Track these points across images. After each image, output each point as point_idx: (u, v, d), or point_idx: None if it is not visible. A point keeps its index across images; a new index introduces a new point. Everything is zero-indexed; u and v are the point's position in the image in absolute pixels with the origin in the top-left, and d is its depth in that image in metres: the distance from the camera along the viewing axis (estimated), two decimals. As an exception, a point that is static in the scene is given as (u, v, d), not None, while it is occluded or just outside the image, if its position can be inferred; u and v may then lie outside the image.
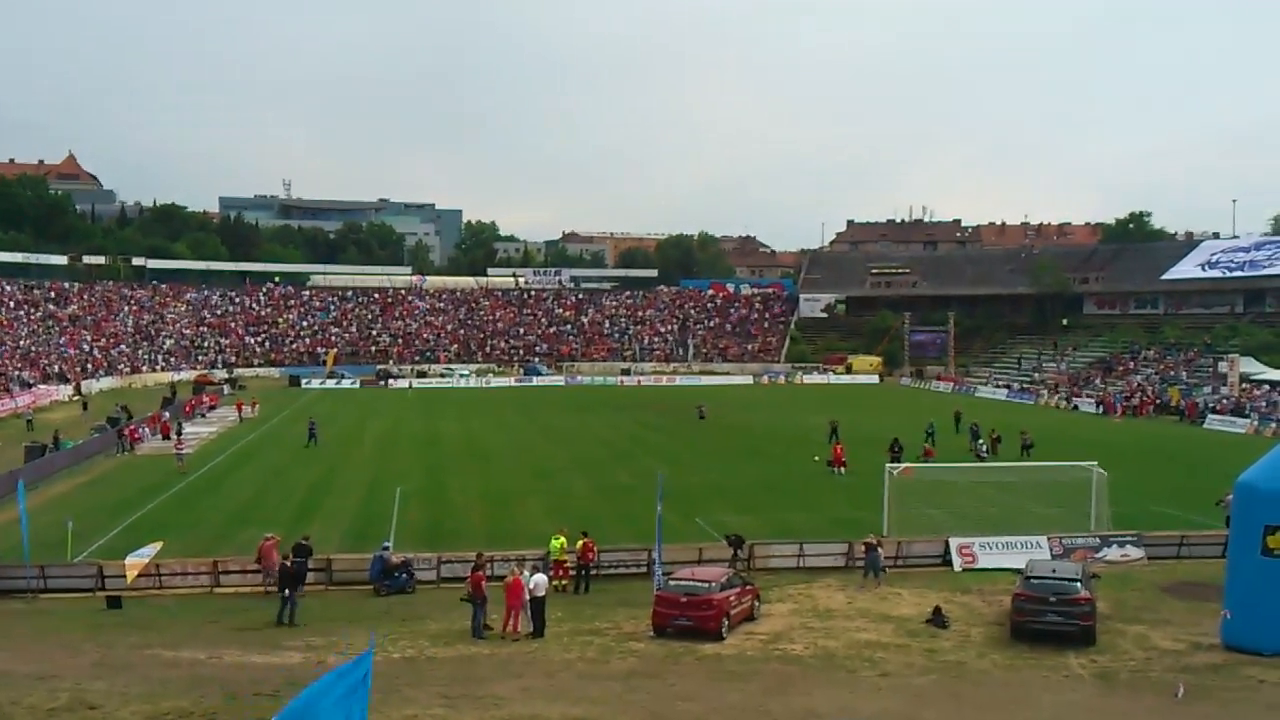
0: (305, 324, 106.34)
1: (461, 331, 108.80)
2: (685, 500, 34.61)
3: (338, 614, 22.98)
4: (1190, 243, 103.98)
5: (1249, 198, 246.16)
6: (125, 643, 20.63)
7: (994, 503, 33.43)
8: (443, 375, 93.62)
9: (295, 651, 19.86)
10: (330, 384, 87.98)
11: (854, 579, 25.65)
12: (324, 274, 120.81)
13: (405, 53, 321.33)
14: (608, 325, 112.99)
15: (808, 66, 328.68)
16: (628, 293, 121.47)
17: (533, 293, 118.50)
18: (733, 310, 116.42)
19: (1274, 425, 56.92)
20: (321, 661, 19.04)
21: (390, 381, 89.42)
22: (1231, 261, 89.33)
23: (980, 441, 46.33)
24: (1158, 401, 68.69)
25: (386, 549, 26.45)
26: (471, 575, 22.05)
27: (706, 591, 20.92)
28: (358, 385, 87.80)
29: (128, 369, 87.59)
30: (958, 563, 27.41)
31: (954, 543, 27.90)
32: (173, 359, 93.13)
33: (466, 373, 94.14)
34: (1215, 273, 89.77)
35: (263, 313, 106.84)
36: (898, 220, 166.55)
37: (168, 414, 57.35)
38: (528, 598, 21.22)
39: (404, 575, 25.41)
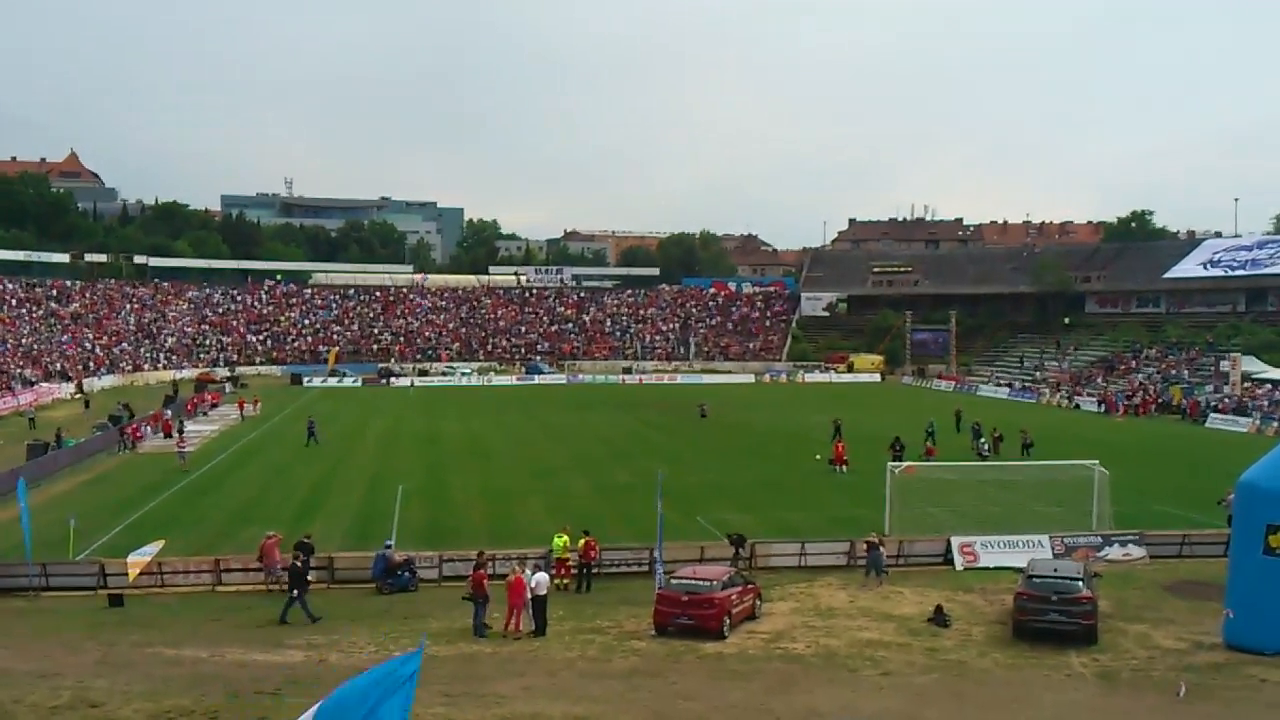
0: (307, 322, 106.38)
1: (463, 330, 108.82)
2: (687, 499, 34.62)
3: (340, 612, 22.98)
4: (1192, 241, 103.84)
5: (1251, 197, 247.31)
6: (127, 641, 20.65)
7: (996, 501, 33.42)
8: (444, 374, 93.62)
9: (297, 650, 19.88)
10: (332, 382, 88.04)
11: (856, 578, 25.65)
12: (326, 272, 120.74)
13: (406, 51, 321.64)
14: (609, 324, 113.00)
15: (808, 66, 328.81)
16: (629, 291, 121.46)
17: (534, 291, 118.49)
18: (734, 309, 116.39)
19: (1276, 424, 56.85)
20: (323, 660, 19.07)
21: (392, 380, 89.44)
22: (1233, 260, 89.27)
23: (982, 440, 46.31)
24: (1159, 400, 68.66)
25: (389, 547, 26.48)
26: (473, 574, 22.08)
27: (708, 590, 20.92)
28: (359, 384, 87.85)
29: (130, 367, 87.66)
30: (959, 561, 27.40)
31: (956, 541, 27.90)
32: (174, 357, 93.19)
33: (468, 371, 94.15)
34: (1217, 271, 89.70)
35: (264, 311, 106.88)
36: (900, 219, 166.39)
37: (169, 412, 57.38)
38: (529, 596, 21.24)
39: (406, 574, 25.44)
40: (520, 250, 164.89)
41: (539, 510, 33.71)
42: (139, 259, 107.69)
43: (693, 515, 32.42)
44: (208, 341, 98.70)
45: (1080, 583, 20.83)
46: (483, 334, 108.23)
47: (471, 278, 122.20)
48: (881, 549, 25.60)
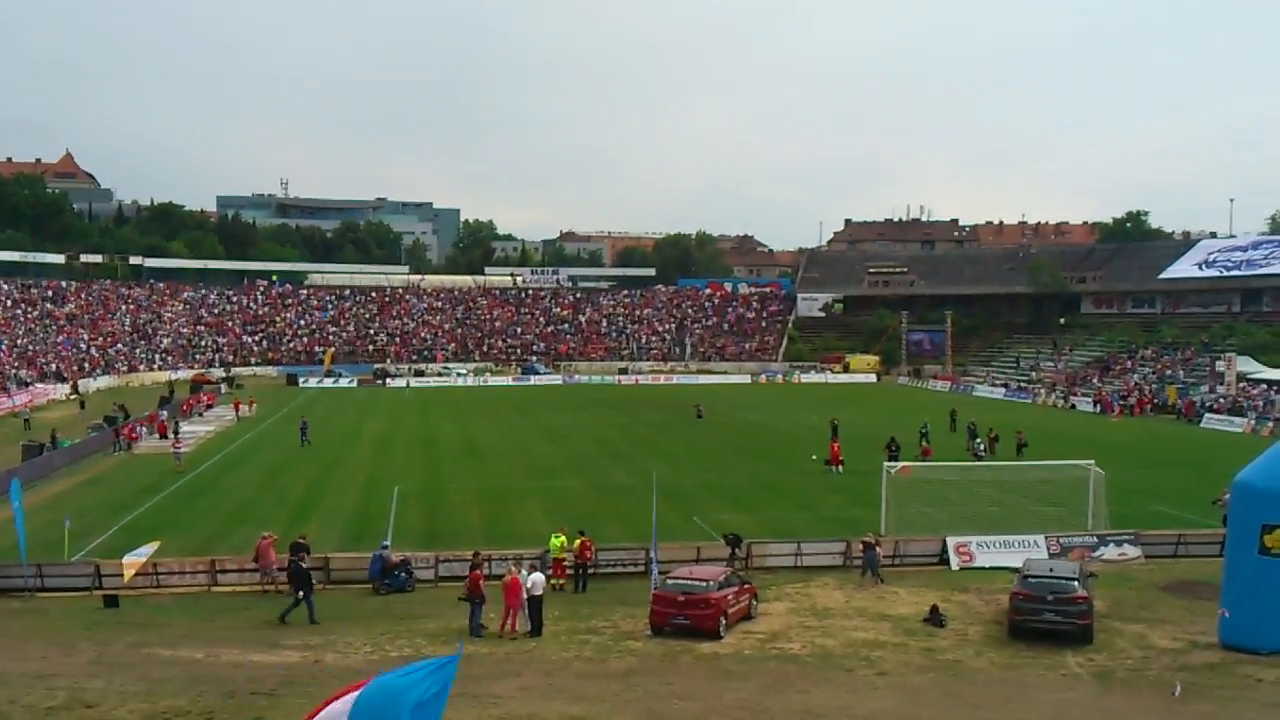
0: (303, 323, 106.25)
1: (459, 330, 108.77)
2: (683, 499, 34.65)
3: (335, 613, 22.94)
4: (1187, 242, 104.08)
5: (1246, 197, 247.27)
6: (122, 641, 20.62)
7: (991, 502, 33.45)
8: (440, 374, 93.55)
9: (293, 650, 19.86)
10: (328, 383, 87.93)
11: (851, 578, 25.66)
12: (321, 273, 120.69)
13: (402, 52, 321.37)
14: (605, 324, 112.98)
15: (804, 67, 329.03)
16: (625, 292, 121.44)
17: (530, 292, 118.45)
18: (730, 309, 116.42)
19: (1271, 424, 57.00)
20: (319, 660, 19.04)
21: (388, 380, 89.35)
22: (1229, 261, 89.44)
23: (978, 440, 46.38)
24: (1155, 401, 68.79)
25: (386, 548, 26.47)
26: (469, 574, 22.06)
27: (704, 590, 20.92)
28: (355, 384, 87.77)
29: (125, 368, 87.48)
30: (955, 562, 27.44)
31: (951, 542, 27.93)
32: (170, 358, 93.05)
33: (464, 372, 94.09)
34: (1212, 272, 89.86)
35: (260, 312, 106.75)
36: (895, 220, 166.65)
37: (165, 413, 57.31)
38: (525, 597, 21.22)
39: (403, 574, 25.42)
40: (516, 251, 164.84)
41: (535, 511, 33.71)
42: (134, 260, 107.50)
43: (689, 515, 32.44)
44: (203, 342, 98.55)
45: (1076, 583, 20.85)
46: (478, 334, 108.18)
47: (467, 278, 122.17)
48: (878, 549, 25.63)
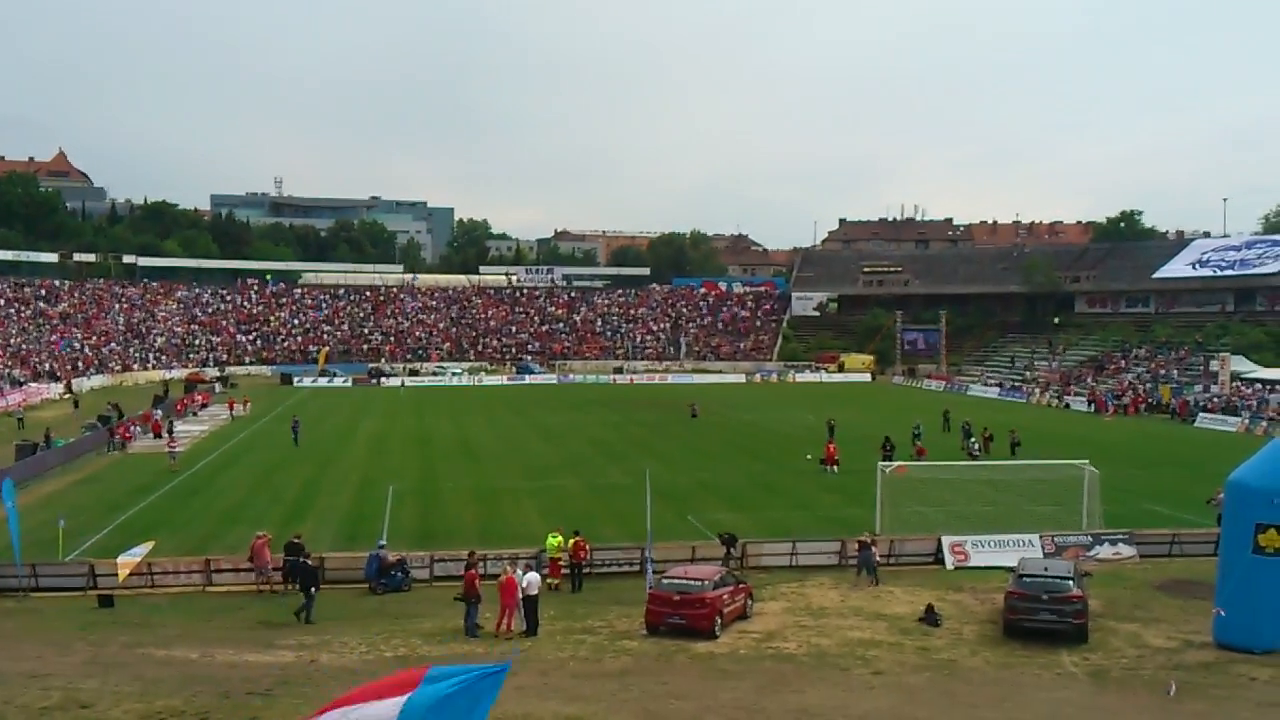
0: (297, 322, 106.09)
1: (453, 330, 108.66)
2: (678, 499, 34.64)
3: (331, 613, 22.91)
4: (1181, 242, 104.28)
5: (1240, 197, 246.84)
6: (117, 641, 20.59)
7: (986, 501, 33.48)
8: (435, 374, 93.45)
9: (288, 650, 19.84)
10: (322, 382, 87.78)
11: (847, 577, 25.70)
12: (315, 272, 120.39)
13: (397, 50, 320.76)
14: (600, 323, 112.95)
15: (799, 66, 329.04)
16: (620, 291, 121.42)
17: (525, 291, 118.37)
18: (725, 308, 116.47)
19: (1265, 424, 57.13)
20: (314, 660, 19.03)
21: (382, 380, 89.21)
22: (1222, 260, 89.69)
23: (972, 440, 46.43)
24: (1149, 400, 68.93)
25: (383, 547, 26.43)
26: (465, 574, 22.05)
27: (699, 590, 20.94)
28: (350, 384, 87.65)
29: (119, 367, 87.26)
30: (950, 561, 27.48)
31: (946, 541, 27.98)
32: (164, 357, 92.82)
33: (459, 371, 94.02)
34: (1206, 271, 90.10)
35: (254, 311, 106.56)
36: (890, 219, 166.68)
37: (159, 412, 57.15)
38: (521, 596, 21.21)
39: (399, 574, 25.41)
40: (511, 250, 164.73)
41: (530, 510, 33.69)
42: (128, 258, 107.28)
43: (684, 515, 32.45)
44: (197, 341, 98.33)
45: (1070, 582, 20.91)
46: (473, 334, 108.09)
47: (462, 277, 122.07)
48: (873, 549, 25.66)
